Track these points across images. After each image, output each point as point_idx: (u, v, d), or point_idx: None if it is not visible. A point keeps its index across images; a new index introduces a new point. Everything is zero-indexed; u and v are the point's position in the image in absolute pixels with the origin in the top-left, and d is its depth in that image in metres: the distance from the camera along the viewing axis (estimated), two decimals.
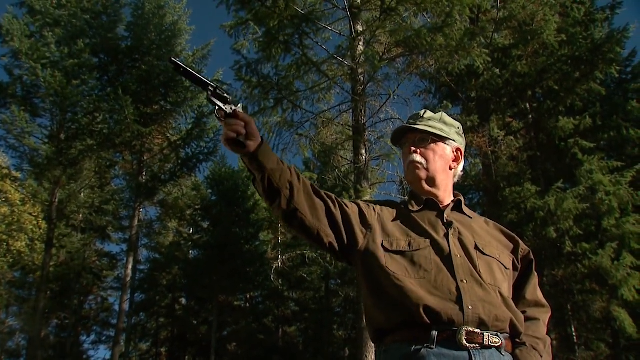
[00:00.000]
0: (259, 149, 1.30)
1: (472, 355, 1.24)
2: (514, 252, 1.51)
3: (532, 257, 1.54)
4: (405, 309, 1.27)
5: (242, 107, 1.32)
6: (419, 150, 1.52)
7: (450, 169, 1.56)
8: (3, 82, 12.94)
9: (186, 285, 18.66)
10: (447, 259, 1.35)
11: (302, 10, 8.13)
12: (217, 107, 1.28)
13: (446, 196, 1.53)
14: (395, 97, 8.34)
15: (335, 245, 1.41)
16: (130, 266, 14.88)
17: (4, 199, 16.35)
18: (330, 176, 9.39)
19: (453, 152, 1.56)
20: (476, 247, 1.41)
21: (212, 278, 16.06)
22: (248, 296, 20.08)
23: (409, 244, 1.39)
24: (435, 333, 1.24)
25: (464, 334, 1.24)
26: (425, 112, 1.59)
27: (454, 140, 1.56)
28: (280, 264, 17.04)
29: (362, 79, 8.17)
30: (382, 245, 1.39)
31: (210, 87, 1.28)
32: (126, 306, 14.84)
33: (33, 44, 12.34)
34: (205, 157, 14.94)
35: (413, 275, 1.32)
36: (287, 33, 8.26)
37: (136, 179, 14.90)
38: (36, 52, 12.19)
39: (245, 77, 8.42)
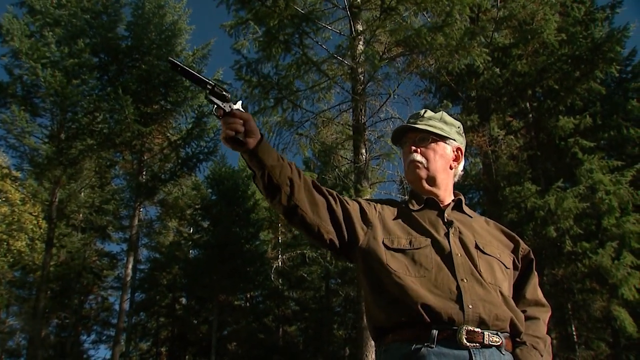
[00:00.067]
0: (259, 146, 1.30)
1: (473, 355, 1.24)
2: (514, 251, 1.51)
3: (532, 256, 1.54)
4: (406, 307, 1.27)
5: (242, 105, 1.32)
6: (419, 150, 1.52)
7: (451, 168, 1.56)
8: (3, 81, 12.94)
9: (186, 284, 18.66)
10: (447, 258, 1.35)
11: (302, 9, 8.13)
12: (215, 106, 1.28)
13: (446, 195, 1.53)
14: (396, 96, 8.35)
15: (336, 241, 1.40)
16: (130, 266, 14.88)
17: (4, 199, 16.37)
18: (330, 175, 9.39)
19: (453, 151, 1.56)
20: (477, 247, 1.41)
21: (212, 277, 16.07)
22: (248, 296, 20.09)
23: (410, 242, 1.38)
24: (435, 332, 1.24)
25: (464, 333, 1.24)
26: (425, 111, 1.59)
27: (454, 140, 1.56)
28: (280, 263, 17.07)
29: (362, 78, 8.17)
30: (383, 242, 1.39)
31: (208, 86, 1.28)
32: (126, 306, 14.84)
33: (33, 44, 12.34)
34: (205, 156, 14.94)
35: (414, 274, 1.32)
36: (287, 32, 8.26)
37: (136, 179, 14.90)
38: (36, 51, 12.18)
39: (245, 76, 8.42)
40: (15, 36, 12.24)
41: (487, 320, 1.27)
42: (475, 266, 1.35)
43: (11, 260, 16.79)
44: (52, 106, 13.07)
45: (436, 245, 1.38)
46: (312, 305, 19.25)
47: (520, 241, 1.54)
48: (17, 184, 15.43)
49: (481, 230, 1.49)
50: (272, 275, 13.96)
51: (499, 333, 1.29)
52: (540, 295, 1.51)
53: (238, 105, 1.31)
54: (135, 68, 14.37)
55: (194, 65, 14.84)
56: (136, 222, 15.02)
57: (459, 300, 1.27)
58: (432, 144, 1.52)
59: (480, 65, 9.05)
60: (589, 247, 10.06)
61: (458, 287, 1.29)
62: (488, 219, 1.59)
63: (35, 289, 16.01)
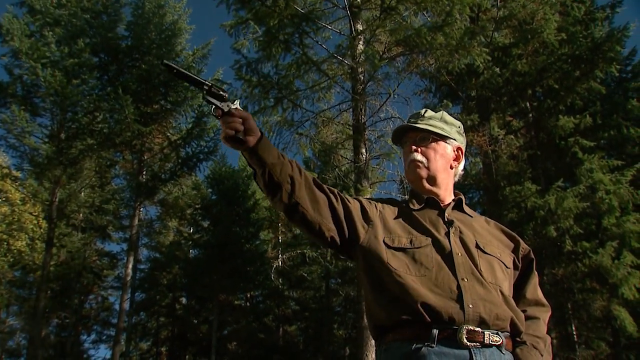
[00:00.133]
0: (259, 144, 1.30)
1: (473, 354, 1.24)
2: (515, 251, 1.51)
3: (533, 256, 1.54)
4: (406, 305, 1.27)
5: (240, 104, 1.32)
6: (419, 149, 1.52)
7: (451, 167, 1.56)
8: (3, 81, 12.94)
9: (186, 284, 18.67)
10: (448, 257, 1.35)
11: (302, 9, 8.13)
12: (213, 106, 1.28)
13: (447, 195, 1.53)
14: (396, 96, 8.34)
15: (337, 239, 1.40)
16: (130, 265, 14.89)
17: (4, 199, 16.38)
18: (330, 175, 9.38)
19: (454, 151, 1.56)
20: (477, 246, 1.41)
21: (213, 277, 16.08)
22: (248, 295, 20.11)
23: (411, 242, 1.38)
24: (435, 331, 1.24)
25: (464, 332, 1.24)
26: (426, 111, 1.59)
27: (454, 139, 1.56)
28: (280, 263, 17.08)
29: (362, 78, 8.16)
30: (384, 241, 1.39)
31: (205, 86, 1.28)
32: (126, 305, 14.85)
33: (33, 44, 12.33)
34: (205, 156, 14.95)
35: (414, 273, 1.32)
36: (287, 32, 8.26)
37: (136, 178, 14.90)
38: (36, 51, 12.18)
39: (245, 76, 8.42)
40: (15, 36, 12.24)
41: (487, 320, 1.27)
42: (476, 265, 1.35)
43: (11, 260, 16.80)
44: (52, 106, 13.08)
45: (437, 244, 1.38)
46: (312, 305, 19.26)
47: (521, 241, 1.54)
48: (17, 183, 15.44)
49: (481, 229, 1.49)
50: (272, 275, 13.97)
51: (499, 332, 1.29)
52: (540, 295, 1.51)
53: (236, 105, 1.31)
54: (135, 68, 14.37)
55: (194, 65, 14.84)
56: (136, 221, 15.03)
57: (459, 299, 1.27)
58: (433, 144, 1.53)
59: (480, 65, 9.05)
60: (589, 247, 10.06)
61: (458, 287, 1.29)
62: (488, 219, 1.59)
63: (35, 288, 16.02)
